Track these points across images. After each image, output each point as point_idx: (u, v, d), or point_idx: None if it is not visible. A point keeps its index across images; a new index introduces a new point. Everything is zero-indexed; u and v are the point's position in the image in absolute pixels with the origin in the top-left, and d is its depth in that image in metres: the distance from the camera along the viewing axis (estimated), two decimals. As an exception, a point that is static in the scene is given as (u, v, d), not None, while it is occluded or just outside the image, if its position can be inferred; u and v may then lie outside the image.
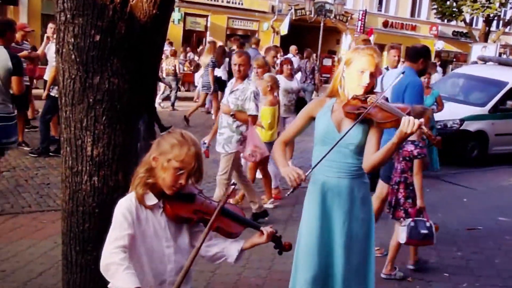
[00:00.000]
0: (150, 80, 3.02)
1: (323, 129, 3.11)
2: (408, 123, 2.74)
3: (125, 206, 2.20)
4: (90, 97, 2.75)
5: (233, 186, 2.37)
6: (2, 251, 4.66)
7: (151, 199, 2.26)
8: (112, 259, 2.07)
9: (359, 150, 3.07)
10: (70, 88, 2.77)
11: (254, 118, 5.65)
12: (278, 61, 15.59)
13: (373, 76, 3.04)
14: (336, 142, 2.94)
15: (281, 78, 8.38)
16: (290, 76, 8.49)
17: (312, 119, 3.21)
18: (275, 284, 4.41)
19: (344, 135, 2.95)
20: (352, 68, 3.05)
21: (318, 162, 2.97)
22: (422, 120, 2.79)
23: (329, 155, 2.98)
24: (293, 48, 16.94)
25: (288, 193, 3.00)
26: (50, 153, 8.30)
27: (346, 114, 3.03)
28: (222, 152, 5.73)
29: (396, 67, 8.23)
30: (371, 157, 2.99)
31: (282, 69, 8.83)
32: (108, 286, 2.27)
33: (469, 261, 5.21)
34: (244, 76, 5.71)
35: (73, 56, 2.72)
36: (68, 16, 2.70)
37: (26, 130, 9.31)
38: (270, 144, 6.00)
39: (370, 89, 3.06)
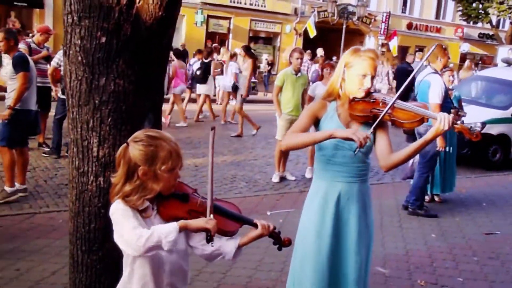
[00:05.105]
0: (157, 82, 3.04)
1: None
2: (444, 120, 2.73)
3: (122, 209, 2.15)
4: (96, 99, 2.78)
5: (213, 131, 2.27)
6: (17, 250, 4.74)
7: (143, 204, 2.21)
8: (144, 239, 2.01)
9: (368, 152, 3.09)
10: (77, 90, 2.80)
11: None
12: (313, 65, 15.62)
13: (373, 78, 3.03)
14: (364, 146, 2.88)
15: (319, 85, 8.23)
16: None
17: (315, 120, 3.14)
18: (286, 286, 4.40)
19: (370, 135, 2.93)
20: (353, 71, 3.02)
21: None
22: (453, 115, 2.79)
23: (339, 159, 3.02)
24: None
25: (355, 152, 2.88)
26: (66, 154, 8.41)
27: (357, 117, 3.02)
28: None
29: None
30: (394, 156, 2.98)
31: (323, 74, 8.61)
32: (124, 273, 2.28)
33: (484, 266, 5.12)
34: None
35: (79, 58, 2.75)
36: (75, 18, 2.73)
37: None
38: None
39: (369, 91, 3.05)
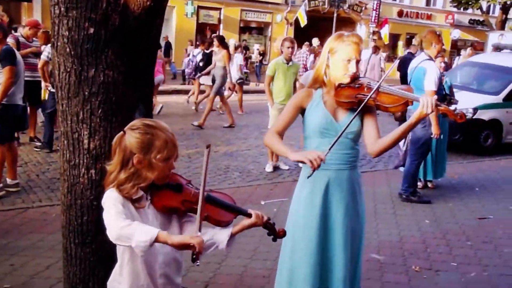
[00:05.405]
0: (146, 73, 3.01)
1: (320, 121, 3.02)
2: (427, 103, 2.71)
3: (114, 196, 2.15)
4: (85, 90, 2.75)
5: (208, 149, 2.22)
6: (11, 245, 4.72)
7: (137, 193, 2.21)
8: (121, 224, 2.00)
9: (357, 138, 3.06)
10: (66, 82, 2.76)
11: None
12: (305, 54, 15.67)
13: (358, 62, 3.00)
14: (341, 132, 2.87)
15: (312, 73, 8.12)
16: None
17: (301, 110, 3.11)
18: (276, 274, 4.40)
19: (348, 124, 2.89)
20: (337, 57, 2.99)
21: (331, 147, 2.87)
22: (436, 97, 2.78)
23: (326, 147, 2.91)
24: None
25: (308, 176, 2.84)
26: (58, 148, 8.37)
27: (342, 103, 2.98)
28: None
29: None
30: (380, 141, 2.96)
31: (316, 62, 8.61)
32: (116, 265, 2.29)
33: (478, 250, 5.15)
34: None
35: (67, 49, 2.72)
36: (62, 9, 2.70)
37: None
38: None
39: (355, 76, 3.01)
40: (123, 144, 2.19)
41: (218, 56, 12.21)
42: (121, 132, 2.22)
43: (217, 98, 12.38)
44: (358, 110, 2.92)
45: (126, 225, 2.00)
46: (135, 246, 1.98)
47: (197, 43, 15.80)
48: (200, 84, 13.81)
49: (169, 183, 2.28)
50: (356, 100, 2.95)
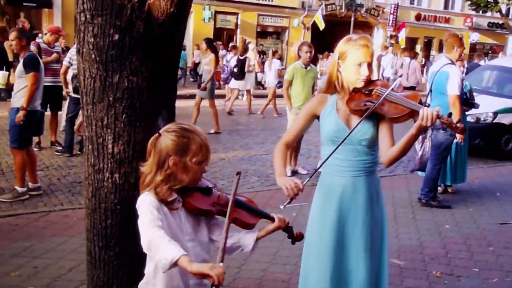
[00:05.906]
0: (170, 78, 3.05)
1: (332, 128, 2.99)
2: (427, 116, 2.64)
3: (148, 200, 2.19)
4: (110, 96, 2.80)
5: (238, 176, 2.33)
6: (34, 248, 4.78)
7: (172, 196, 2.25)
8: (153, 235, 2.03)
9: (372, 145, 2.99)
10: (91, 87, 2.82)
11: None
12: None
13: (370, 65, 2.94)
14: (340, 143, 2.86)
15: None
16: None
17: (315, 117, 3.10)
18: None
19: (348, 135, 2.87)
20: (348, 62, 2.93)
21: (321, 165, 2.89)
22: (438, 108, 2.72)
23: (342, 154, 2.93)
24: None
25: (284, 204, 2.85)
26: (78, 152, 8.52)
27: (353, 111, 2.93)
28: None
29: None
30: (390, 151, 2.89)
31: None
32: (145, 271, 2.32)
33: (500, 256, 5.10)
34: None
35: (93, 56, 2.77)
36: (88, 16, 2.75)
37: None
38: None
39: (369, 79, 2.97)
40: (158, 146, 2.23)
41: (206, 60, 11.94)
42: (156, 134, 2.27)
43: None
44: (360, 119, 2.87)
45: (158, 236, 2.02)
46: (158, 260, 2.01)
47: (229, 48, 16.21)
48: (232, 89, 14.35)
49: (199, 186, 2.34)
50: (364, 108, 2.88)
